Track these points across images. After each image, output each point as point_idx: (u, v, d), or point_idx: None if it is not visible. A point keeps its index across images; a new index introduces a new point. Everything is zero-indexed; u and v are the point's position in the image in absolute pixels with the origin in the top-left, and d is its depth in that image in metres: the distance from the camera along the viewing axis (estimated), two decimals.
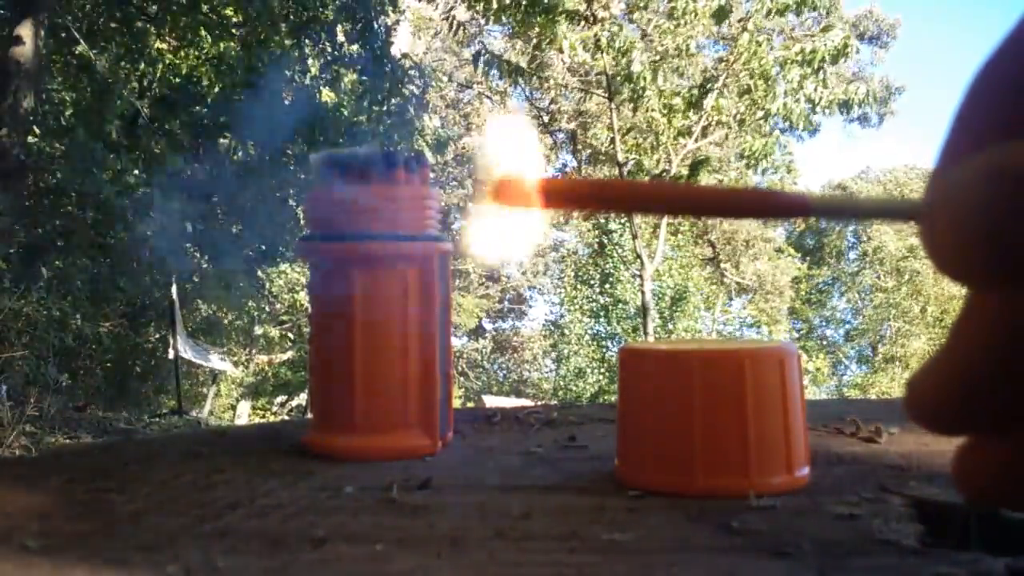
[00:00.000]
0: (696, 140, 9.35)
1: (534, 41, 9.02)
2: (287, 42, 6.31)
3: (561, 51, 8.70)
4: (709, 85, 9.07)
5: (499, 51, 10.68)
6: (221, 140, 6.29)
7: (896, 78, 9.57)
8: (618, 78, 8.80)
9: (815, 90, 8.41)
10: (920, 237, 0.19)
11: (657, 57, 8.95)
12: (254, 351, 11.42)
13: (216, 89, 6.47)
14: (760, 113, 8.87)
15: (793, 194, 0.24)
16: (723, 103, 9.03)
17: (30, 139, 5.67)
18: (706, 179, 9.46)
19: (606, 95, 9.46)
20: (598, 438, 0.66)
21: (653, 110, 8.91)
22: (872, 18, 16.97)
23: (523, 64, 9.80)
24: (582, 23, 8.41)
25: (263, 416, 11.34)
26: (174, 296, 7.04)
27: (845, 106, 8.74)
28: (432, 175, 0.68)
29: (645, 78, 8.53)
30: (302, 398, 11.08)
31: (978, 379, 0.19)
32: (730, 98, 9.06)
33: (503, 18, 8.42)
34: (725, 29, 9.52)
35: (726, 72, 8.90)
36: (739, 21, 8.59)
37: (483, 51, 9.17)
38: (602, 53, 8.64)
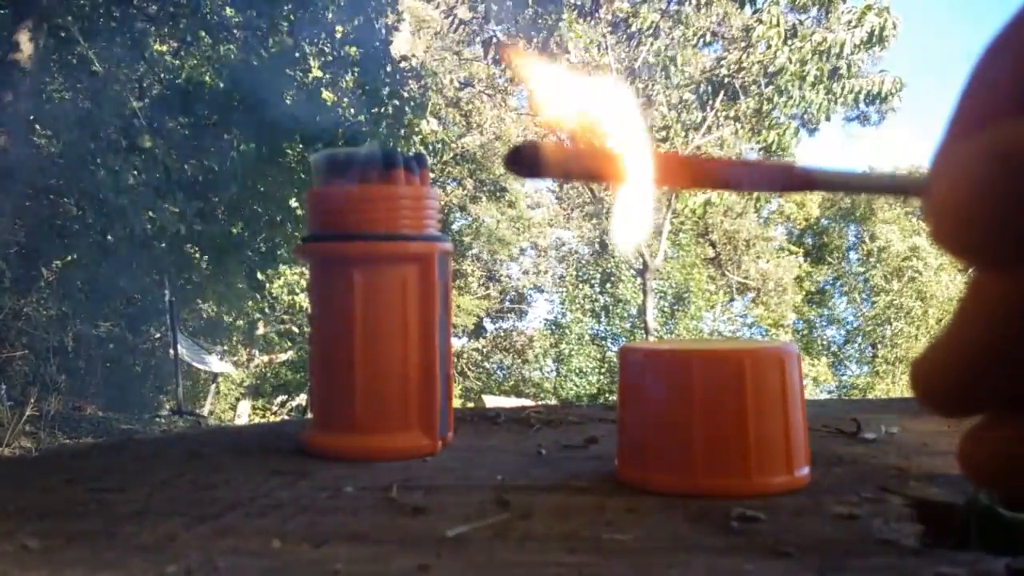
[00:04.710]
0: (707, 133, 9.29)
1: (542, 34, 8.99)
2: (286, 41, 6.31)
3: (568, 52, 8.66)
4: (722, 79, 9.04)
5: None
6: (225, 137, 6.30)
7: (896, 75, 9.54)
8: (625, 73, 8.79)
9: (837, 81, 8.41)
10: (923, 213, 0.19)
11: (669, 51, 8.92)
12: (255, 351, 11.42)
13: (216, 89, 6.47)
14: (771, 106, 8.84)
15: (800, 167, 0.24)
16: (735, 98, 9.00)
17: (30, 139, 5.67)
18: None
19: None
20: (598, 438, 0.66)
21: (662, 104, 8.90)
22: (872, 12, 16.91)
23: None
24: (587, 18, 8.38)
25: (263, 416, 11.33)
26: (167, 293, 7.03)
27: (873, 97, 8.71)
28: (431, 175, 0.68)
29: (657, 69, 8.51)
30: (302, 398, 11.07)
31: (983, 358, 0.19)
32: (743, 92, 9.03)
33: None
34: (725, 30, 9.49)
35: (738, 65, 8.86)
36: (754, 13, 8.57)
37: (493, 39, 9.09)
38: (608, 49, 8.62)
